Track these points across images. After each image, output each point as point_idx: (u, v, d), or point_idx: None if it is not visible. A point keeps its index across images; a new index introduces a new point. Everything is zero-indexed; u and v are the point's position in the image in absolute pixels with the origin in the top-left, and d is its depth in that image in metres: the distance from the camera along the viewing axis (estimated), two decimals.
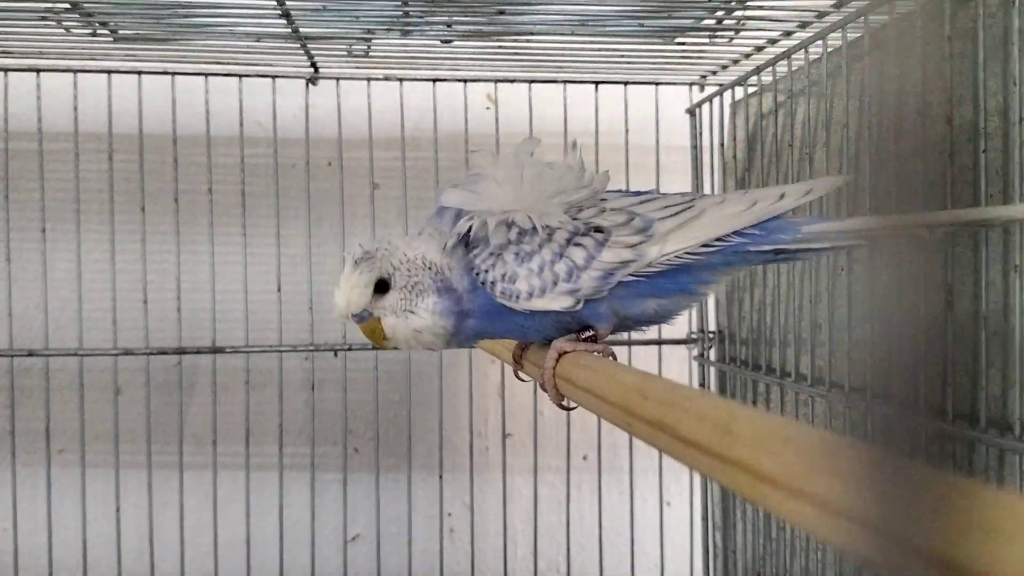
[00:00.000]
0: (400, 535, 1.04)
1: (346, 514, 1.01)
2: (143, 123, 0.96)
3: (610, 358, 0.56)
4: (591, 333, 0.57)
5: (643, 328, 0.59)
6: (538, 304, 0.55)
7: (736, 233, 0.54)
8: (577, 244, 0.55)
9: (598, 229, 0.56)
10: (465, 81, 1.00)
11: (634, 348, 1.03)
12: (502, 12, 0.74)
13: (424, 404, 1.04)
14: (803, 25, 0.83)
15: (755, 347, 0.89)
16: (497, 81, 1.01)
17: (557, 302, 0.55)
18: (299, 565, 0.99)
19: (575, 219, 0.56)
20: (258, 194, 1.01)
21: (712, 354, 1.02)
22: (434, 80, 1.00)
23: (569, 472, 1.03)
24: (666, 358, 1.03)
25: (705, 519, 1.03)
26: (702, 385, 1.03)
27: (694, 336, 1.03)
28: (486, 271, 0.56)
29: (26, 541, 0.95)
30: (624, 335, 1.00)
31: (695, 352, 1.04)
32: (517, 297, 0.55)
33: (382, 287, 0.57)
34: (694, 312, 1.03)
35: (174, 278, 0.96)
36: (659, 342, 1.03)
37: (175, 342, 0.96)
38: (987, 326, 0.53)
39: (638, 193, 0.59)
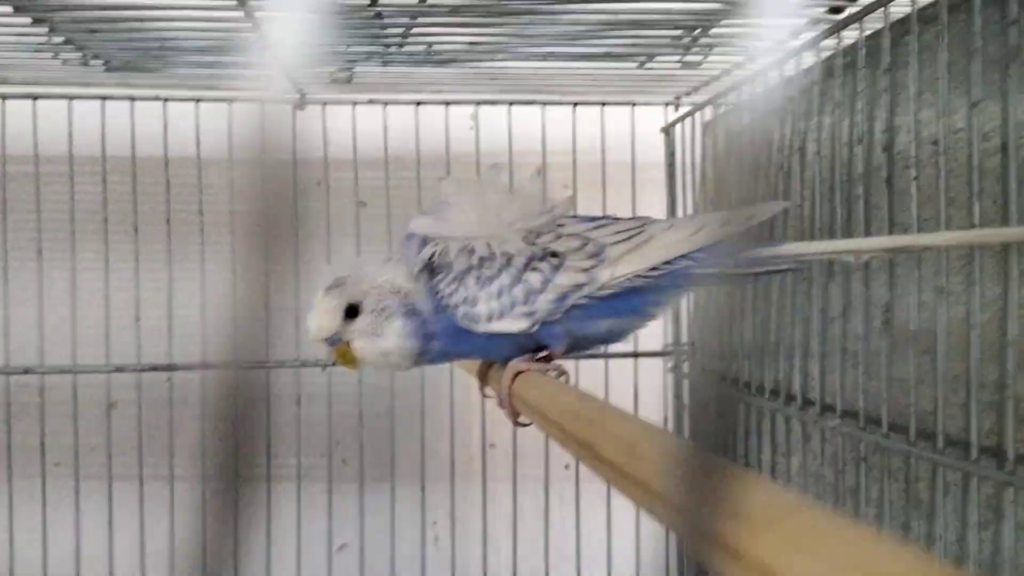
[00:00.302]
0: (386, 545, 1.07)
1: (332, 525, 1.04)
2: (135, 147, 0.99)
3: (562, 378, 0.59)
4: (546, 353, 0.60)
5: (597, 347, 0.63)
6: (497, 326, 0.59)
7: (682, 257, 0.57)
8: (534, 269, 0.58)
9: (554, 254, 0.59)
10: (447, 103, 1.04)
11: (611, 360, 1.06)
12: (474, 44, 0.77)
13: (409, 416, 1.07)
14: (768, 49, 0.86)
15: (723, 360, 0.91)
16: (478, 103, 1.05)
17: (515, 324, 0.58)
18: (286, 574, 1.02)
19: (533, 244, 0.59)
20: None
21: (687, 366, 1.05)
22: (417, 103, 1.03)
23: (548, 482, 1.06)
24: (642, 370, 1.06)
25: None
26: (677, 397, 1.06)
27: (669, 348, 1.06)
28: (449, 295, 0.59)
29: (22, 552, 0.99)
30: (600, 348, 1.04)
31: (670, 364, 1.07)
32: (478, 320, 0.59)
33: (352, 312, 0.60)
34: (670, 324, 1.06)
35: (166, 296, 0.99)
36: (635, 355, 1.06)
37: (166, 359, 0.99)
38: (918, 344, 0.56)
39: (594, 218, 0.62)
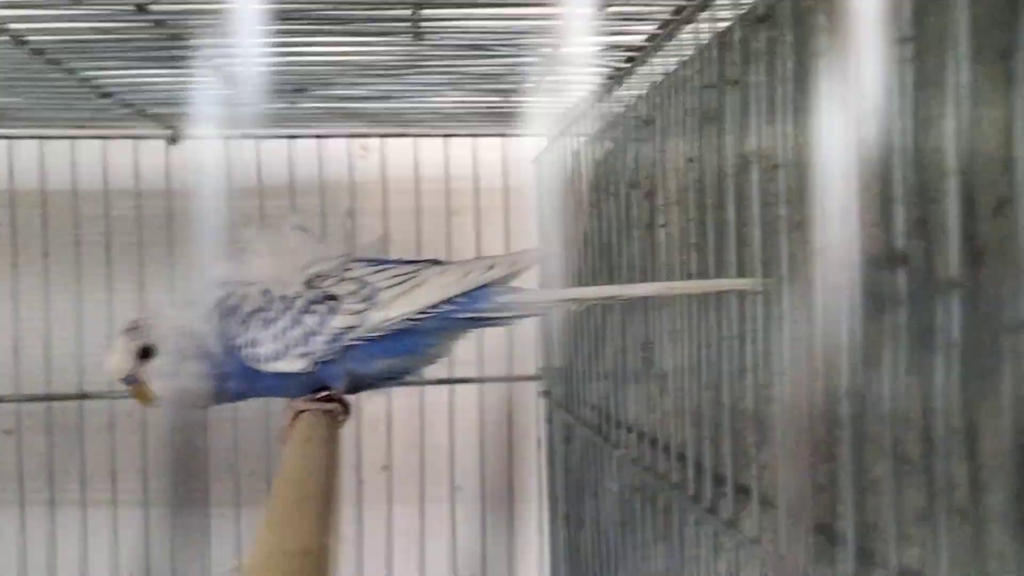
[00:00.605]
0: None
1: (210, 549, 1.07)
2: (14, 183, 1.03)
3: (340, 418, 0.62)
4: (328, 392, 0.63)
5: (383, 385, 0.66)
6: (278, 366, 0.62)
7: (447, 301, 0.60)
8: (311, 312, 0.61)
9: (332, 297, 0.62)
10: (320, 137, 1.07)
11: (486, 385, 1.09)
12: (302, 90, 0.80)
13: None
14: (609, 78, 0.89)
15: (574, 384, 0.94)
16: (351, 136, 1.08)
17: (293, 364, 0.61)
18: None
19: (315, 288, 0.63)
20: (124, 244, 1.07)
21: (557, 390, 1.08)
22: (290, 137, 1.06)
23: (452, 502, 1.09)
24: (517, 394, 1.09)
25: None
26: (549, 421, 1.09)
27: (541, 372, 1.09)
28: (236, 337, 0.62)
29: None
30: (475, 373, 1.08)
31: (542, 388, 1.10)
32: (261, 360, 0.62)
33: (148, 353, 0.63)
34: (542, 349, 1.09)
35: (43, 328, 1.02)
36: (510, 379, 1.09)
37: (44, 389, 1.02)
38: (663, 382, 0.59)
39: (382, 262, 0.65)
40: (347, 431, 1.11)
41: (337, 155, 1.08)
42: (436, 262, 0.65)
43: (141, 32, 0.66)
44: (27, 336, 1.04)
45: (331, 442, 0.54)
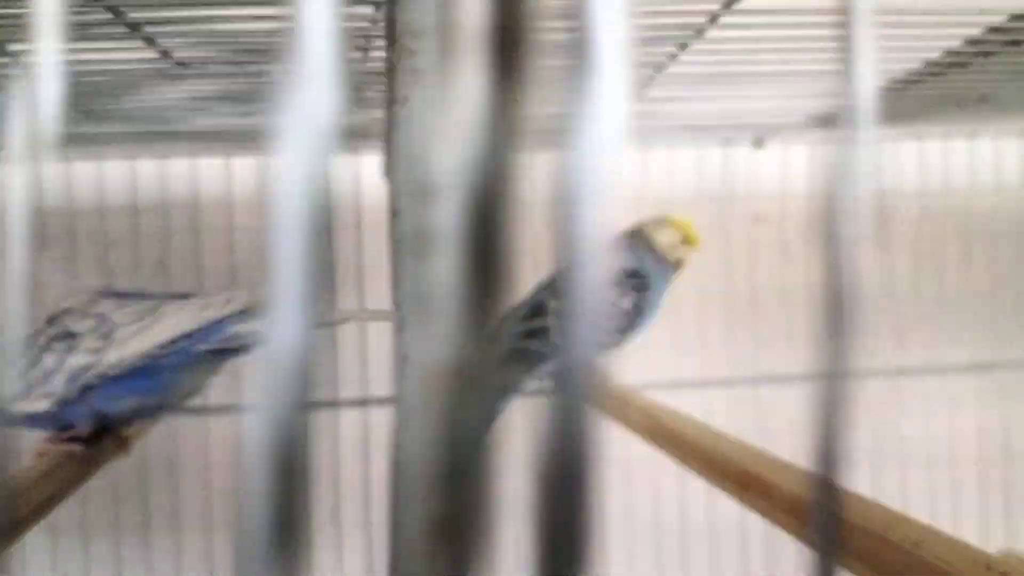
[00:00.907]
0: None
1: None
2: None
3: (122, 452, 0.61)
4: (73, 433, 0.61)
5: (138, 420, 0.64)
6: (22, 406, 0.60)
7: (185, 336, 0.58)
8: (51, 350, 0.59)
9: (71, 334, 0.60)
10: (162, 158, 1.05)
11: (342, 408, 1.07)
12: (90, 112, 0.78)
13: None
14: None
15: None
16: (192, 156, 1.06)
17: (35, 405, 0.59)
18: None
19: (57, 325, 0.60)
20: None
21: None
22: (131, 157, 1.04)
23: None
24: (375, 415, 1.08)
25: None
26: None
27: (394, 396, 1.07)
28: None
29: None
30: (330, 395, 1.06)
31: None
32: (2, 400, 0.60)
33: None
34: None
35: None
36: (364, 402, 1.07)
37: None
38: None
39: (130, 296, 0.63)
40: (196, 460, 1.10)
41: (178, 176, 1.06)
42: (185, 295, 0.64)
43: None
44: None
45: (44, 488, 0.52)
